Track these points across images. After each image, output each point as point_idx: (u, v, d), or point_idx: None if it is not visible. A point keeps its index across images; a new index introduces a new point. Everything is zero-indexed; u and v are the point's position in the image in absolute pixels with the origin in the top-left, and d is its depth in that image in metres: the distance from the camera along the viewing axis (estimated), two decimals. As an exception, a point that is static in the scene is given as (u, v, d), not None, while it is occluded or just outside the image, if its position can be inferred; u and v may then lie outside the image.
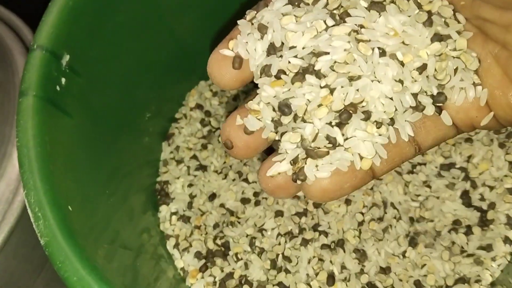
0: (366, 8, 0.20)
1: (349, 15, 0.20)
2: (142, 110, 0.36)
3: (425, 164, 0.35)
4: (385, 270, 0.31)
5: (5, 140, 0.34)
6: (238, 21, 0.22)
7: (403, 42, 0.20)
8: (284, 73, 0.20)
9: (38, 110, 0.26)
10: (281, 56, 0.20)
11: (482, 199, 0.33)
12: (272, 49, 0.21)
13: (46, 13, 0.27)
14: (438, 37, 0.20)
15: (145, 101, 0.36)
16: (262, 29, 0.21)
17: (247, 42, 0.21)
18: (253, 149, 0.22)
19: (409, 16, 0.20)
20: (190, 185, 0.36)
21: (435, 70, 0.20)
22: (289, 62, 0.20)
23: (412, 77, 0.20)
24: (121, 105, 0.33)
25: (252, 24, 0.22)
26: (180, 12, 0.36)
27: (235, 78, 0.22)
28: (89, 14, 0.29)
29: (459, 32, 0.21)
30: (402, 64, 0.20)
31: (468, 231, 0.32)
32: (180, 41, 0.37)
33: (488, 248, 0.31)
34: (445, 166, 0.35)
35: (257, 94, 0.21)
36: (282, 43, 0.21)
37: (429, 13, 0.20)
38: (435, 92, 0.20)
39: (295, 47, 0.20)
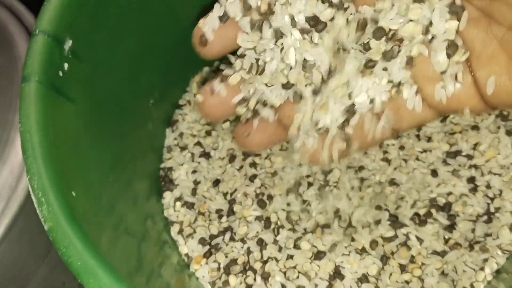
0: None
1: None
2: (145, 96, 0.36)
3: (430, 151, 0.35)
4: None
5: (8, 126, 0.34)
6: None
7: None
8: None
9: (40, 95, 0.25)
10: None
11: (488, 186, 0.33)
12: None
13: (48, -4, 0.27)
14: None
15: (149, 87, 0.36)
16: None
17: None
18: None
19: None
20: (194, 172, 0.36)
21: None
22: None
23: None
24: (124, 91, 0.33)
25: None
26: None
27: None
28: (92, -2, 0.28)
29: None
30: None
31: (475, 218, 0.32)
32: (183, 27, 0.37)
33: (494, 235, 0.31)
34: (451, 153, 0.34)
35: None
36: None
37: None
38: None
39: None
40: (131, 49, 0.33)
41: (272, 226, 0.33)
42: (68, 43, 0.27)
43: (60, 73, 0.27)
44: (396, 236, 0.31)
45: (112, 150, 0.31)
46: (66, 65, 0.27)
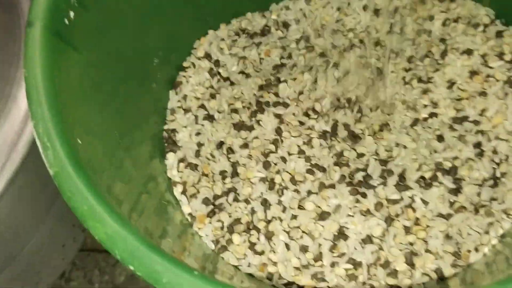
0: None
1: None
2: (150, 55, 0.35)
3: (436, 116, 0.34)
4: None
5: (10, 81, 0.34)
6: None
7: None
8: None
9: (45, 41, 0.25)
10: None
11: (495, 152, 0.33)
12: None
13: None
14: None
15: (154, 46, 0.35)
16: None
17: None
18: None
19: None
20: (197, 134, 0.36)
21: None
22: None
23: None
24: (129, 46, 0.32)
25: None
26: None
27: None
28: None
29: None
30: None
31: (481, 183, 0.32)
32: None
33: (499, 200, 0.31)
34: (457, 119, 0.34)
35: None
36: None
37: None
38: None
39: None
40: (137, 4, 0.32)
41: (277, 187, 0.32)
42: (74, -9, 0.27)
43: (66, 21, 0.26)
44: (401, 199, 0.31)
45: (116, 106, 0.31)
46: (71, 13, 0.27)
